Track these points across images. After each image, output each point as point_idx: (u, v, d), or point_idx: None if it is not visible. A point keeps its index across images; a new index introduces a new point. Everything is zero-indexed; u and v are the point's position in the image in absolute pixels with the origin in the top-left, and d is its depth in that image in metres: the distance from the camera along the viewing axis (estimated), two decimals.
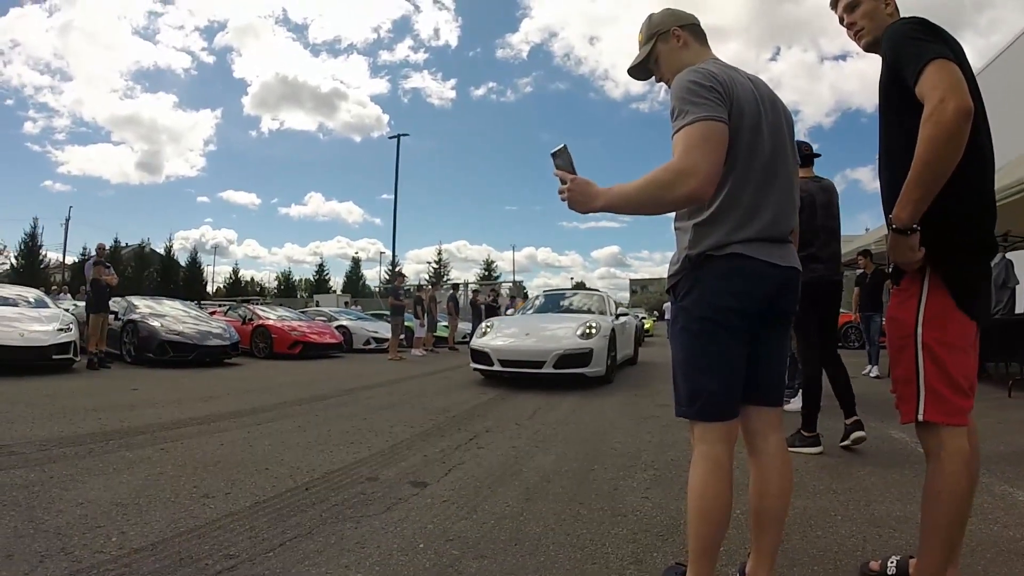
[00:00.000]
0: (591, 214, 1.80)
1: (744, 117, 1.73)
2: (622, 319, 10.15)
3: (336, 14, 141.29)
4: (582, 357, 7.77)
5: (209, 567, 2.22)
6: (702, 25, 2.03)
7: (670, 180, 1.60)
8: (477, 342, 8.66)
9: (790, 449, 3.54)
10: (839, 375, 4.31)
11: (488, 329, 9.03)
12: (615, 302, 11.39)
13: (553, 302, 10.87)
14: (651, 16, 2.04)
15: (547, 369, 7.69)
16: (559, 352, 7.71)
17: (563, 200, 1.77)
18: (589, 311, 9.95)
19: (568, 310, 10.19)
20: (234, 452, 4.02)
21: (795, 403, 4.85)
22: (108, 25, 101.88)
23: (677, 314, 1.86)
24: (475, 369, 8.61)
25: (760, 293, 1.77)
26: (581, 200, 1.75)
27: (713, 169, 1.61)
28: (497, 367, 8.10)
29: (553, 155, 1.81)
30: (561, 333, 8.21)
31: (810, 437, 4.16)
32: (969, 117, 1.57)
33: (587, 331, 8.07)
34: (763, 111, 1.80)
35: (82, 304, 11.10)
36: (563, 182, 1.77)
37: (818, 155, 4.55)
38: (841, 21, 2.10)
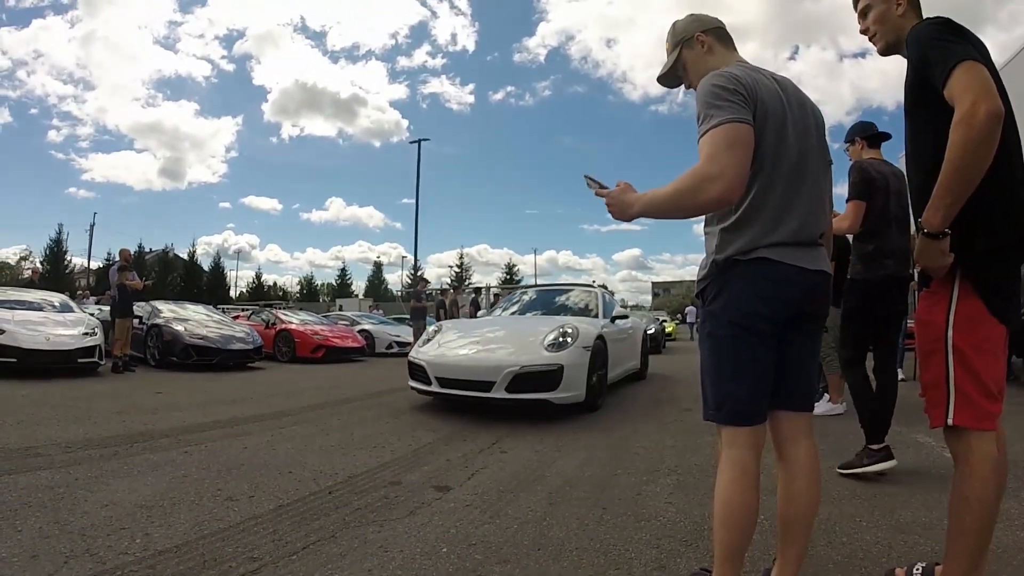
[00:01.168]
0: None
1: (769, 119, 1.72)
2: (620, 323, 7.70)
3: (354, 21, 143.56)
4: (547, 377, 5.57)
5: (233, 569, 2.24)
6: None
7: (696, 185, 1.60)
8: (415, 352, 6.59)
9: (861, 470, 3.48)
10: (887, 393, 3.62)
11: (435, 334, 6.80)
12: (616, 302, 9.45)
13: (544, 300, 8.44)
14: (675, 24, 2.04)
15: (497, 393, 5.53)
16: (513, 370, 5.52)
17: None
18: (586, 309, 7.84)
19: (563, 308, 7.98)
20: (257, 455, 4.06)
21: (819, 407, 4.78)
22: (129, 35, 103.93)
23: (705, 319, 1.85)
24: (412, 388, 6.44)
25: (788, 298, 1.75)
26: (619, 210, 1.84)
27: (739, 172, 1.60)
28: (435, 387, 5.97)
29: (588, 185, 1.99)
30: (523, 343, 5.98)
31: (879, 451, 3.51)
32: (1000, 120, 1.54)
33: (559, 340, 5.84)
34: (789, 112, 1.78)
35: (106, 308, 11.24)
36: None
37: (888, 135, 3.91)
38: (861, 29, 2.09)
